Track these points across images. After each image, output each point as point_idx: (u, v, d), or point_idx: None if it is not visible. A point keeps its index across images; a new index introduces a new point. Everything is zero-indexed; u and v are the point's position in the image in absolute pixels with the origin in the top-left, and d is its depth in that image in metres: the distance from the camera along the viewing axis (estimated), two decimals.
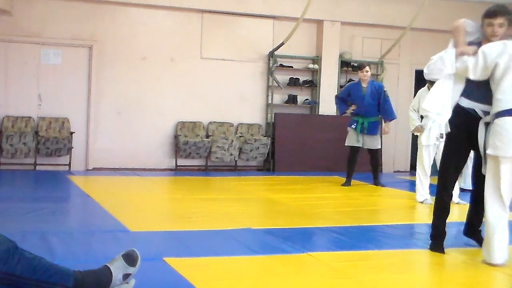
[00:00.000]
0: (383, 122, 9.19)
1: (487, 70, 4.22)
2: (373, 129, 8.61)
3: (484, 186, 4.48)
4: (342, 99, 8.85)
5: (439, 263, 4.41)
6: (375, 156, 8.75)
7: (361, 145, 8.63)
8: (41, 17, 9.89)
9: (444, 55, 4.42)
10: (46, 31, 9.93)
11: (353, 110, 8.67)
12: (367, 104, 8.56)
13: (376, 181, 8.81)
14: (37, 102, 9.98)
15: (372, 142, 8.63)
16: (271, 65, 10.96)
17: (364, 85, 8.62)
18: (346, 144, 8.78)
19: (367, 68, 8.65)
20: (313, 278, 3.77)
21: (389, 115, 8.74)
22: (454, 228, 5.47)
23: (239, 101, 10.99)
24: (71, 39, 10.05)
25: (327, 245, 4.88)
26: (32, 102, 9.94)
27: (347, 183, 8.70)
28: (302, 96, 11.40)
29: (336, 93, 9.18)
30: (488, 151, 4.20)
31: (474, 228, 4.84)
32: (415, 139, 12.14)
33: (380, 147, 8.73)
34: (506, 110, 4.11)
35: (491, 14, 4.30)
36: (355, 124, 8.61)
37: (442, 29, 10.37)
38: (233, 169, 10.80)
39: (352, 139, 8.67)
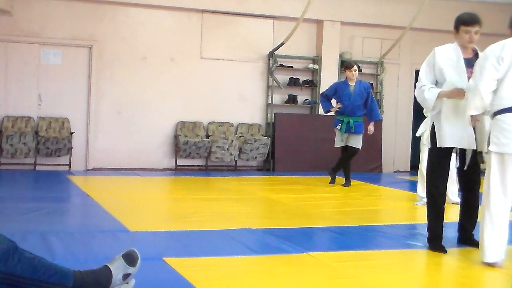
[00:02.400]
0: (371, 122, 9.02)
1: (498, 70, 4.14)
2: (359, 128, 8.57)
3: (472, 187, 4.67)
4: (327, 97, 8.82)
5: (439, 263, 4.41)
6: (353, 156, 8.65)
7: (345, 144, 8.62)
8: (41, 17, 9.89)
9: (427, 95, 4.63)
10: (46, 31, 9.93)
11: (338, 108, 8.65)
12: (354, 103, 8.52)
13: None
14: (37, 102, 9.98)
15: (356, 141, 8.57)
16: (271, 65, 10.96)
17: (351, 84, 8.60)
18: (335, 146, 8.76)
19: (355, 67, 8.62)
20: (313, 278, 3.77)
21: (375, 116, 8.71)
22: (455, 228, 5.48)
23: (239, 101, 11.00)
24: (71, 39, 10.06)
25: (327, 245, 4.89)
26: (32, 102, 9.95)
27: (347, 184, 8.69)
28: (302, 96, 11.40)
29: (322, 91, 9.11)
30: (491, 148, 4.15)
31: (467, 233, 4.83)
32: (415, 139, 12.17)
33: (360, 148, 8.67)
34: (510, 107, 4.09)
35: (469, 22, 4.58)
36: (340, 124, 8.55)
37: (442, 29, 10.35)
38: (233, 169, 10.80)
39: (339, 141, 8.65)
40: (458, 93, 4.46)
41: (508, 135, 4.05)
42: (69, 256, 4.02)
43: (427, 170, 4.78)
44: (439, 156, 4.64)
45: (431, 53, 4.69)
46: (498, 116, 4.12)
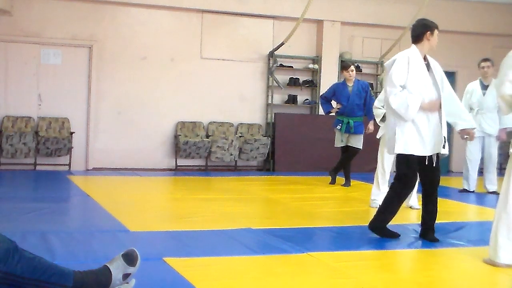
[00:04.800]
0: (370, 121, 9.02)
1: None
2: (359, 128, 8.56)
3: (427, 183, 4.90)
4: (327, 99, 8.82)
5: (439, 263, 4.41)
6: (354, 156, 8.66)
7: (345, 144, 8.62)
8: (41, 17, 9.89)
9: (411, 103, 4.68)
10: (46, 31, 9.93)
11: (338, 109, 8.65)
12: (353, 103, 8.52)
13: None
14: (37, 102, 9.98)
15: (356, 141, 8.57)
16: (271, 65, 10.96)
17: (349, 84, 8.60)
18: (335, 146, 8.77)
19: (352, 67, 8.61)
20: (313, 278, 3.77)
21: None
22: (454, 227, 5.48)
23: (239, 101, 11.00)
24: (71, 39, 10.06)
25: (327, 245, 4.88)
26: (32, 102, 9.95)
27: (347, 183, 8.70)
28: (302, 96, 11.40)
29: (322, 94, 9.14)
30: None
31: (428, 228, 4.97)
32: None
33: (361, 148, 8.68)
34: None
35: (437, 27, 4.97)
36: (340, 124, 8.56)
37: (442, 29, 10.34)
38: (233, 169, 10.80)
39: (339, 141, 8.66)
40: (435, 105, 4.75)
41: None
42: (69, 256, 4.02)
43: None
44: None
45: (403, 58, 4.75)
46: None
